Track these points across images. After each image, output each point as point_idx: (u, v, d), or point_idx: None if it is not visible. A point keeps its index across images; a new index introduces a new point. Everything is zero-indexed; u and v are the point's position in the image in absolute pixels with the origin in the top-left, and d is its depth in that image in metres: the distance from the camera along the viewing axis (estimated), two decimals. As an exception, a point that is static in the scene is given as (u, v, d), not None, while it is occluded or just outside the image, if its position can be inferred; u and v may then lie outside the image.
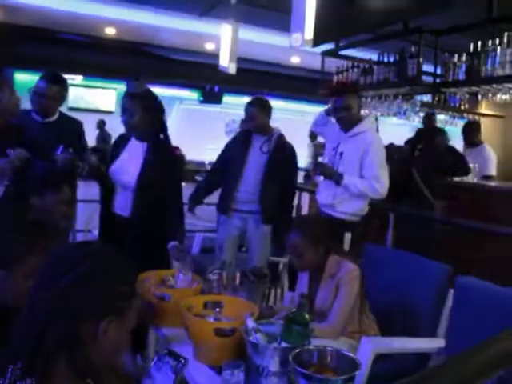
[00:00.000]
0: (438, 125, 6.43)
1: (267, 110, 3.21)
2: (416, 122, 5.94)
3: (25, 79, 9.36)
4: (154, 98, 2.66)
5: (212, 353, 1.73)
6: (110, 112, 9.78)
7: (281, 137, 3.24)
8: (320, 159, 3.02)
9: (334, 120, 3.15)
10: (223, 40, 4.81)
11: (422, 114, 5.48)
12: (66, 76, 2.92)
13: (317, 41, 4.78)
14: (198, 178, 6.12)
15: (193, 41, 7.51)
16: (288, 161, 3.25)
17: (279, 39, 6.28)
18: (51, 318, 0.86)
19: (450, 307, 2.10)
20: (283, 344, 1.64)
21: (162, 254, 2.62)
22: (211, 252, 3.80)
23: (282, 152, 3.18)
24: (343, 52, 5.19)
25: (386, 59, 4.64)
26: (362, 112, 5.12)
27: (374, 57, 4.85)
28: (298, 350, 1.53)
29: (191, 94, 10.82)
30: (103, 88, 10.08)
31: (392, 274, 2.43)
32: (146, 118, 2.56)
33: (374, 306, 2.20)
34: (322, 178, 3.19)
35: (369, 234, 3.50)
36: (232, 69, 4.74)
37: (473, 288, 2.05)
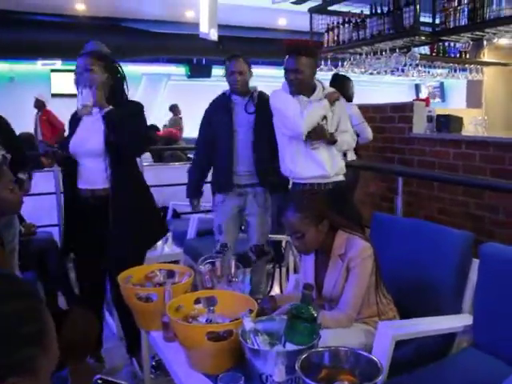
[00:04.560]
0: (438, 78, 6.04)
1: (250, 64, 2.94)
2: (414, 77, 5.57)
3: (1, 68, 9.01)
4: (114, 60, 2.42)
5: (207, 360, 1.49)
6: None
7: (262, 93, 2.96)
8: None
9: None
10: (202, 4, 4.43)
11: (420, 69, 5.12)
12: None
13: (303, -3, 4.44)
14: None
15: (172, 10, 7.12)
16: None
17: (262, 1, 5.89)
18: None
19: (476, 279, 1.85)
20: (288, 345, 1.39)
21: (152, 209, 2.58)
22: (208, 235, 3.53)
23: (267, 108, 2.81)
24: (332, 8, 4.82)
25: (379, 10, 4.27)
26: (357, 70, 4.84)
27: (367, 10, 4.47)
28: (305, 355, 1.28)
29: (178, 70, 10.36)
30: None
31: (406, 246, 2.17)
32: (110, 81, 2.34)
33: (388, 282, 1.95)
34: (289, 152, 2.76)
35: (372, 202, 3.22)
36: (213, 35, 4.37)
37: (500, 256, 1.80)
